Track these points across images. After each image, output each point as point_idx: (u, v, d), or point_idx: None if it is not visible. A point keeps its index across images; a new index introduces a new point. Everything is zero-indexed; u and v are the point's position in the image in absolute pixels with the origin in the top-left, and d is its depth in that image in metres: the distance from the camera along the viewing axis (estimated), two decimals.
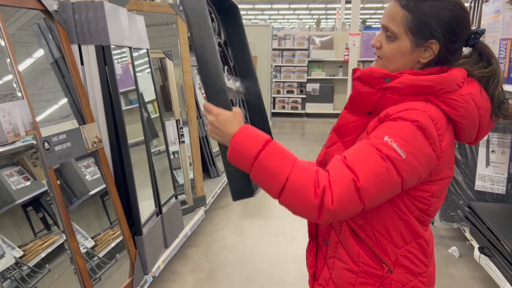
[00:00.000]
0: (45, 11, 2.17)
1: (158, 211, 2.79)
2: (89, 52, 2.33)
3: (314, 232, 1.30)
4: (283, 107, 10.26)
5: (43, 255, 2.14)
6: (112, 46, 2.36)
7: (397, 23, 1.06)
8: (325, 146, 1.22)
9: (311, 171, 0.97)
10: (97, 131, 2.30)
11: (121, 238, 2.39)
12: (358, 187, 0.94)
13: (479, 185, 3.27)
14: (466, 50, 1.14)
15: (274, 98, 9.96)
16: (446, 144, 1.04)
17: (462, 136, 1.11)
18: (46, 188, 1.95)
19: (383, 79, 1.04)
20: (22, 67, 2.05)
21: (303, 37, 9.87)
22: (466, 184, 3.33)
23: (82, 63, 2.34)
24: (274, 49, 9.18)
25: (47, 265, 2.17)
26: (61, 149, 2.01)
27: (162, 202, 2.85)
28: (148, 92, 3.07)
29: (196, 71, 4.36)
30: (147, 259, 2.51)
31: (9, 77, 1.85)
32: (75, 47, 2.31)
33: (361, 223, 1.14)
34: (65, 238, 1.98)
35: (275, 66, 9.59)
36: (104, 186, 2.35)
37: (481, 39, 1.11)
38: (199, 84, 4.60)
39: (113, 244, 2.37)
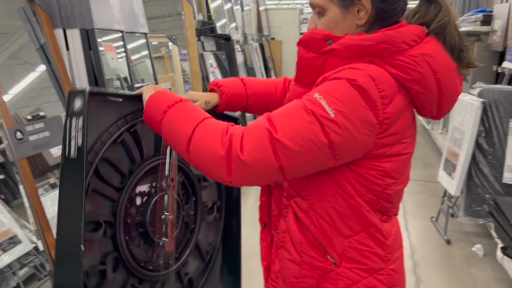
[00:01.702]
0: None
1: None
2: (74, 36, 2.22)
3: (267, 221, 1.18)
4: None
5: None
6: (99, 30, 2.25)
7: None
8: None
9: (222, 123, 0.90)
10: None
11: None
12: (273, 138, 0.84)
13: (507, 177, 2.96)
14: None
15: None
16: (393, 110, 0.88)
17: (421, 108, 0.96)
18: None
19: (324, 42, 0.94)
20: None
21: None
22: (493, 176, 3.02)
23: (68, 48, 2.24)
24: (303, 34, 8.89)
25: None
26: (37, 138, 1.92)
27: None
28: (149, 79, 2.96)
29: (207, 57, 4.21)
30: None
31: None
32: (59, 32, 2.21)
33: (304, 207, 1.00)
34: (39, 234, 1.88)
35: None
36: None
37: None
38: (213, 73, 4.46)
39: None
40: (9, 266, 2.43)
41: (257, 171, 0.84)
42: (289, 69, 7.64)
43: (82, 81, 2.25)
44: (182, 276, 1.30)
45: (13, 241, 2.50)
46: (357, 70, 0.88)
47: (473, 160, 3.09)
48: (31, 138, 1.88)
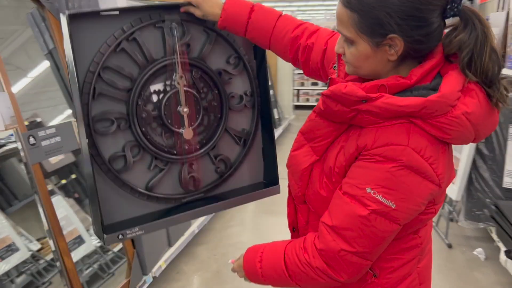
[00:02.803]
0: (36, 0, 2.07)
1: None
2: None
3: (296, 226, 1.20)
4: (308, 100, 10.01)
5: None
6: None
7: (347, 26, 0.90)
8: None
9: (301, 261, 0.99)
10: None
11: None
12: (358, 254, 0.93)
13: (507, 182, 3.00)
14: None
15: (298, 90, 9.73)
16: (443, 166, 0.90)
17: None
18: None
19: (360, 101, 0.89)
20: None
21: (328, 28, 9.56)
22: (493, 181, 3.07)
23: None
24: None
25: None
26: (49, 144, 1.92)
27: None
28: None
29: None
30: (146, 258, 2.41)
31: None
32: None
33: None
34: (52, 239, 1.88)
35: None
36: None
37: None
38: None
39: None
40: (7, 274, 2.41)
41: (360, 275, 0.98)
42: (284, 77, 7.68)
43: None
44: (212, 157, 1.44)
45: (11, 248, 2.48)
46: (399, 147, 0.86)
47: (473, 165, 3.14)
48: (43, 143, 1.88)
